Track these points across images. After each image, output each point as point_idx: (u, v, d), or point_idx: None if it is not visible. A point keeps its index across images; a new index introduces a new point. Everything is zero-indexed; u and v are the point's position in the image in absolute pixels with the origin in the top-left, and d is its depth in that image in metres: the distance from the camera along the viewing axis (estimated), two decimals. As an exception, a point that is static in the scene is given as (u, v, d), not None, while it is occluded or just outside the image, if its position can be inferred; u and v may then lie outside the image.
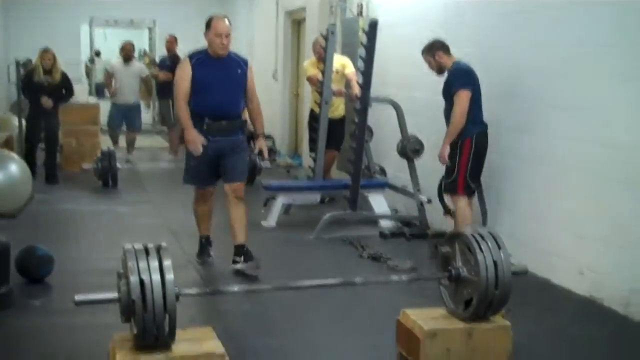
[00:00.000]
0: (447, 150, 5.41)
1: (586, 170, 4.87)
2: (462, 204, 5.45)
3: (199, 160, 5.04)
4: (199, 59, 5.07)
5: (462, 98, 5.29)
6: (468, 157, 5.37)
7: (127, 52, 10.51)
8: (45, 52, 8.71)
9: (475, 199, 5.57)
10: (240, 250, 5.12)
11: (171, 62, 10.51)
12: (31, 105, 8.74)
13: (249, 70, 5.21)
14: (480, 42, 6.02)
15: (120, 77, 10.31)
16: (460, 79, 5.38)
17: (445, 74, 5.53)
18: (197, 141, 4.94)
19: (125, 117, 10.48)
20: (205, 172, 5.15)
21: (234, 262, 5.10)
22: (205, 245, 5.47)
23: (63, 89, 8.74)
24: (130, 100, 10.41)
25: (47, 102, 8.49)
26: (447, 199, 5.77)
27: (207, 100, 5.00)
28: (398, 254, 5.72)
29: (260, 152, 5.31)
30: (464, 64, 5.46)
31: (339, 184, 7.21)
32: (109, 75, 10.48)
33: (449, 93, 5.43)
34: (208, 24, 5.03)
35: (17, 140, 9.16)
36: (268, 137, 8.04)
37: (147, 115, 12.37)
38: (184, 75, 5.04)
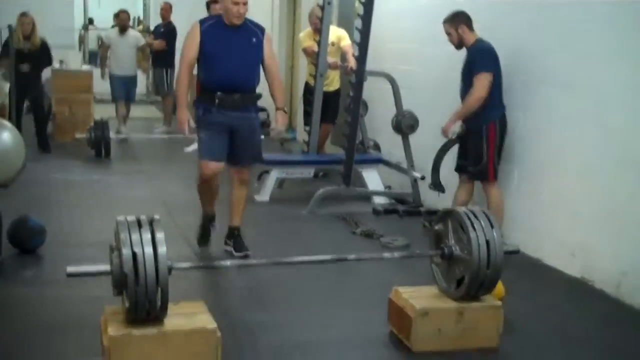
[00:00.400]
0: (452, 126, 5.31)
1: (580, 150, 4.86)
2: (495, 192, 5.26)
3: (210, 134, 4.73)
4: (211, 25, 4.70)
5: (483, 81, 5.10)
6: (495, 143, 5.19)
7: (122, 22, 10.23)
8: (23, 16, 8.35)
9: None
10: (233, 234, 4.97)
11: (166, 30, 10.51)
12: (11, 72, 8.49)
13: (266, 39, 4.82)
14: (478, 20, 5.96)
15: (117, 49, 10.08)
16: (482, 61, 5.16)
17: (464, 51, 5.35)
18: (184, 120, 4.72)
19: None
20: (216, 143, 4.75)
21: (226, 243, 4.99)
22: (208, 227, 5.13)
23: (42, 55, 8.47)
24: (130, 72, 10.21)
25: (25, 68, 8.22)
26: (462, 186, 5.53)
27: (218, 71, 4.67)
28: (391, 230, 5.72)
29: (272, 129, 5.06)
30: (487, 44, 5.23)
31: (333, 158, 7.18)
32: (105, 47, 10.24)
33: (469, 73, 5.22)
34: None
35: (8, 108, 9.08)
36: (262, 110, 7.96)
37: (141, 85, 12.22)
38: (191, 42, 4.66)
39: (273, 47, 4.94)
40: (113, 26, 12.81)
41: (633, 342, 3.92)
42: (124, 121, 10.34)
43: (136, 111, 11.61)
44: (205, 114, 4.71)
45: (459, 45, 5.35)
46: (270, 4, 11.36)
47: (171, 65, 10.39)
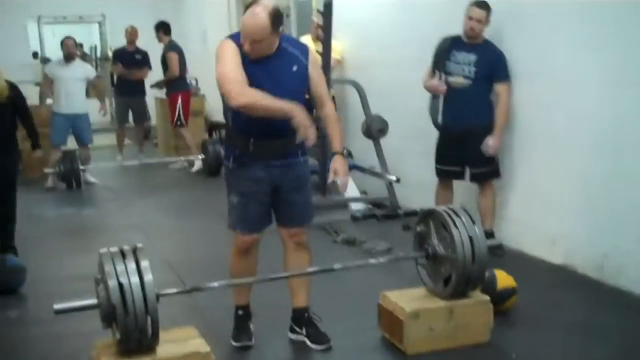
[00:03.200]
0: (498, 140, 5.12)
1: (553, 137, 4.92)
2: (494, 189, 5.29)
3: (245, 194, 3.61)
4: (241, 47, 3.40)
5: (508, 90, 5.08)
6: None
7: (68, 50, 8.50)
8: None
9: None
10: (301, 317, 3.87)
11: (142, 57, 9.89)
12: None
13: (312, 62, 3.58)
14: (438, 19, 6.02)
15: (62, 82, 8.39)
16: (507, 69, 5.09)
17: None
18: (302, 115, 3.32)
19: (73, 130, 8.62)
20: (254, 211, 3.64)
21: (293, 330, 3.91)
22: (243, 319, 3.90)
23: (15, 109, 5.47)
24: (78, 109, 8.50)
25: None
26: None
27: None
28: (371, 235, 5.74)
29: (334, 182, 3.66)
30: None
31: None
32: (47, 81, 8.58)
33: (488, 74, 5.09)
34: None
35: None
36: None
37: (106, 113, 12.07)
38: (237, 60, 3.37)
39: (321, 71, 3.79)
40: (42, 60, 12.06)
41: (621, 322, 3.98)
42: (85, 164, 8.72)
43: (102, 139, 11.47)
44: (238, 166, 3.59)
45: (475, 36, 5.10)
46: (227, 19, 11.33)
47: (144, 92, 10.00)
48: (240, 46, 3.38)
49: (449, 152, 5.33)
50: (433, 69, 5.31)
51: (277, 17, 3.33)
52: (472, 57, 5.09)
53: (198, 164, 9.33)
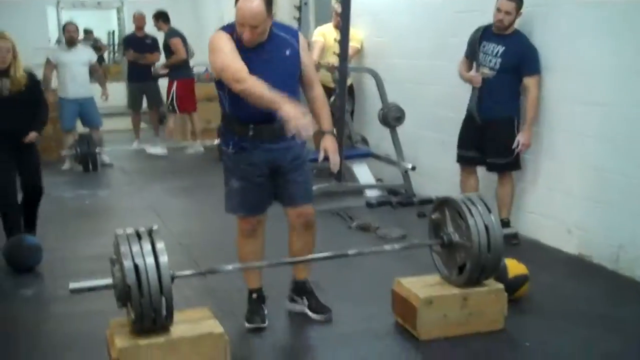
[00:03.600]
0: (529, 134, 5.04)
1: (569, 128, 4.89)
2: (513, 180, 5.24)
3: (245, 179, 3.68)
4: (233, 37, 3.48)
5: (538, 84, 4.98)
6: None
7: (70, 35, 8.62)
8: None
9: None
10: (302, 288, 4.01)
11: (152, 42, 10.01)
12: None
13: (302, 46, 3.67)
14: (456, 7, 5.99)
15: (67, 67, 8.48)
16: (538, 62, 4.98)
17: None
18: (299, 113, 3.29)
19: (81, 114, 8.68)
20: (255, 194, 3.71)
21: (292, 299, 4.04)
22: (257, 303, 3.92)
23: (33, 101, 5.19)
24: (84, 93, 8.59)
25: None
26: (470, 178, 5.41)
27: None
28: (386, 222, 5.73)
29: (326, 158, 3.73)
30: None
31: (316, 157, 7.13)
32: (50, 66, 8.53)
33: (515, 67, 4.99)
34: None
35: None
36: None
37: (121, 96, 12.09)
38: (233, 51, 3.43)
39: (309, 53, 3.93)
40: (57, 42, 12.06)
41: (636, 314, 3.96)
42: (100, 146, 8.83)
43: (117, 123, 11.54)
44: (237, 151, 3.65)
45: (505, 28, 4.98)
46: None
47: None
48: (232, 36, 3.45)
49: (470, 139, 5.28)
50: (469, 59, 5.29)
51: (270, 2, 3.41)
52: (499, 49, 5.01)
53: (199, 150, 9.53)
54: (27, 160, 5.20)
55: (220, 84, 3.54)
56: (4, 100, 4.97)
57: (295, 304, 4.01)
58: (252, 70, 3.40)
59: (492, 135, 5.12)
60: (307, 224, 3.83)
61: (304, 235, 3.85)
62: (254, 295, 3.92)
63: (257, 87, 3.36)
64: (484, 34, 5.11)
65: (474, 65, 5.20)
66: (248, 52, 3.45)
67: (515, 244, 4.94)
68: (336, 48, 6.40)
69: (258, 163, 3.64)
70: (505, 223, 5.04)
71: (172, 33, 9.45)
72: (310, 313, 3.93)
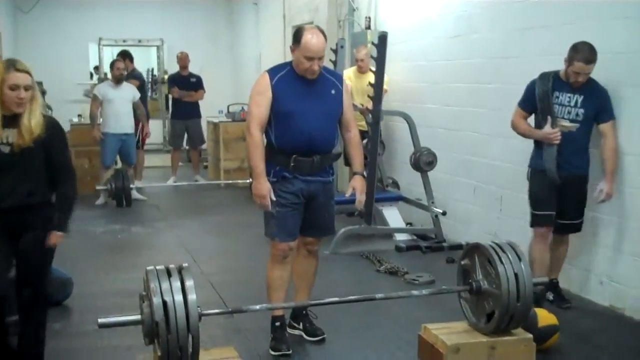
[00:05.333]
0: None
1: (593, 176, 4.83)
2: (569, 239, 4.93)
3: (283, 207, 3.92)
4: (282, 77, 3.88)
5: (614, 129, 4.63)
6: None
7: (118, 72, 8.85)
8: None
9: None
10: (300, 314, 4.26)
11: (197, 80, 10.31)
12: None
13: (345, 89, 4.06)
14: (492, 53, 6.02)
15: (112, 103, 8.66)
16: (611, 107, 4.63)
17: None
18: (265, 194, 3.84)
19: (121, 149, 8.85)
20: (292, 221, 3.98)
21: (291, 325, 4.26)
22: (281, 331, 4.08)
23: (50, 160, 3.56)
24: (127, 129, 8.80)
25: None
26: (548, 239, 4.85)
27: (295, 130, 3.85)
28: (414, 267, 5.71)
29: (353, 195, 4.09)
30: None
31: (353, 198, 7.14)
32: (97, 102, 8.73)
33: (593, 115, 4.62)
34: (297, 38, 3.83)
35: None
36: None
37: (157, 134, 12.25)
38: (262, 99, 3.85)
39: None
40: (100, 79, 12.28)
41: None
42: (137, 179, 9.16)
43: (153, 160, 11.70)
44: (278, 181, 3.92)
45: (581, 83, 4.57)
46: (283, 48, 11.48)
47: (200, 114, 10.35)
48: (278, 80, 3.86)
49: (551, 198, 4.73)
50: (529, 112, 4.79)
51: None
52: (577, 98, 4.60)
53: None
54: (30, 251, 3.55)
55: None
56: (3, 160, 3.44)
57: (294, 330, 4.24)
58: (302, 104, 3.85)
59: (571, 194, 4.72)
60: (312, 252, 4.23)
61: (309, 260, 4.24)
62: (277, 324, 4.07)
63: (254, 147, 3.85)
64: (554, 84, 4.63)
65: (548, 119, 4.61)
66: (300, 88, 3.88)
67: (566, 307, 4.78)
68: (369, 91, 6.47)
69: (297, 192, 3.94)
70: (555, 285, 4.91)
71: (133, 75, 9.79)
72: (305, 336, 4.21)
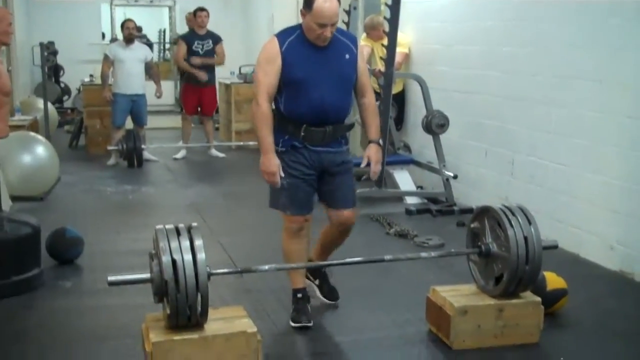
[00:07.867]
0: None
1: (615, 143, 4.81)
2: None
3: (294, 178, 3.73)
4: (292, 42, 3.62)
5: None
6: None
7: (129, 32, 8.72)
8: None
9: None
10: (318, 271, 4.16)
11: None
12: None
13: (360, 53, 3.80)
14: (505, 16, 5.95)
15: (123, 63, 8.64)
16: None
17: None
18: (275, 171, 3.64)
19: (132, 110, 8.84)
20: (303, 193, 3.76)
21: (306, 277, 4.14)
22: (302, 303, 3.90)
23: None
24: (138, 90, 8.75)
25: None
26: None
27: (306, 100, 3.63)
28: (424, 230, 5.70)
29: (368, 164, 3.91)
30: None
31: (359, 161, 7.13)
32: (108, 62, 8.72)
33: None
34: (308, 1, 3.53)
35: (42, 123, 9.19)
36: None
37: (169, 95, 12.23)
38: (271, 67, 3.61)
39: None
40: (111, 40, 12.02)
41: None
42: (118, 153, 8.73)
43: (164, 121, 11.70)
44: (288, 150, 3.72)
45: None
46: (296, 11, 11.36)
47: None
48: (288, 46, 3.61)
49: None
50: None
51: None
52: None
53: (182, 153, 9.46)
54: None
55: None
56: None
57: (307, 280, 4.12)
58: (314, 71, 3.60)
59: None
60: (346, 231, 3.96)
61: (342, 236, 4.00)
62: (299, 295, 3.91)
63: (262, 120, 3.64)
64: None
65: None
66: (312, 54, 3.62)
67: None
68: (383, 53, 6.42)
69: (308, 163, 3.74)
70: None
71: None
72: (320, 296, 4.14)
